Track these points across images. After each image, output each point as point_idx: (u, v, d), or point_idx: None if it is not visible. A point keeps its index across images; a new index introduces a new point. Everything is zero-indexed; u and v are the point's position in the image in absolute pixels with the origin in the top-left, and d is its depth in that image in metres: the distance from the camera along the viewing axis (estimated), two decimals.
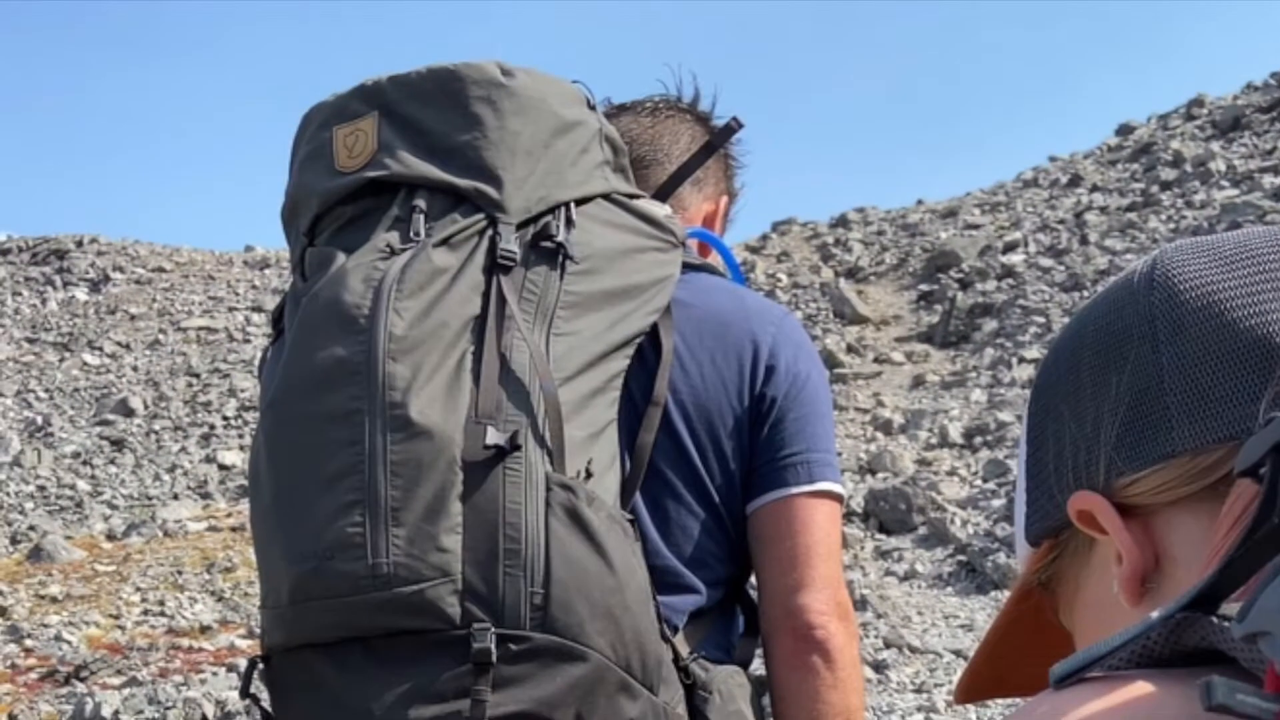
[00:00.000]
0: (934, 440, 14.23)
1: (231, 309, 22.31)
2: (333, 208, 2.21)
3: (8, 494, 15.40)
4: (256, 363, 2.30)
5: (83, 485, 15.79)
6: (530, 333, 2.07)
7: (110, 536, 13.66)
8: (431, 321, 2.05)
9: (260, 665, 2.13)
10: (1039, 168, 24.55)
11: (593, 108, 2.31)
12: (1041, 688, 0.92)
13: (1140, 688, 0.87)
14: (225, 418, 17.90)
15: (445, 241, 2.11)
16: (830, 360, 16.63)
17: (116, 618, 10.75)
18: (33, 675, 9.20)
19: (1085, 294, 16.94)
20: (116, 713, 7.76)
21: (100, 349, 20.72)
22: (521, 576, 1.95)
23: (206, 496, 15.33)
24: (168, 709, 7.71)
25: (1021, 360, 15.91)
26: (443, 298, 2.07)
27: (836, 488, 2.28)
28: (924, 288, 19.91)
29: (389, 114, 2.23)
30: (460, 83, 2.22)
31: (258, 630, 2.27)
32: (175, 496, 15.37)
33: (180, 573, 11.87)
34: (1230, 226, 16.44)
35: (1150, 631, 0.87)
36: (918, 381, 16.59)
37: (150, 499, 15.35)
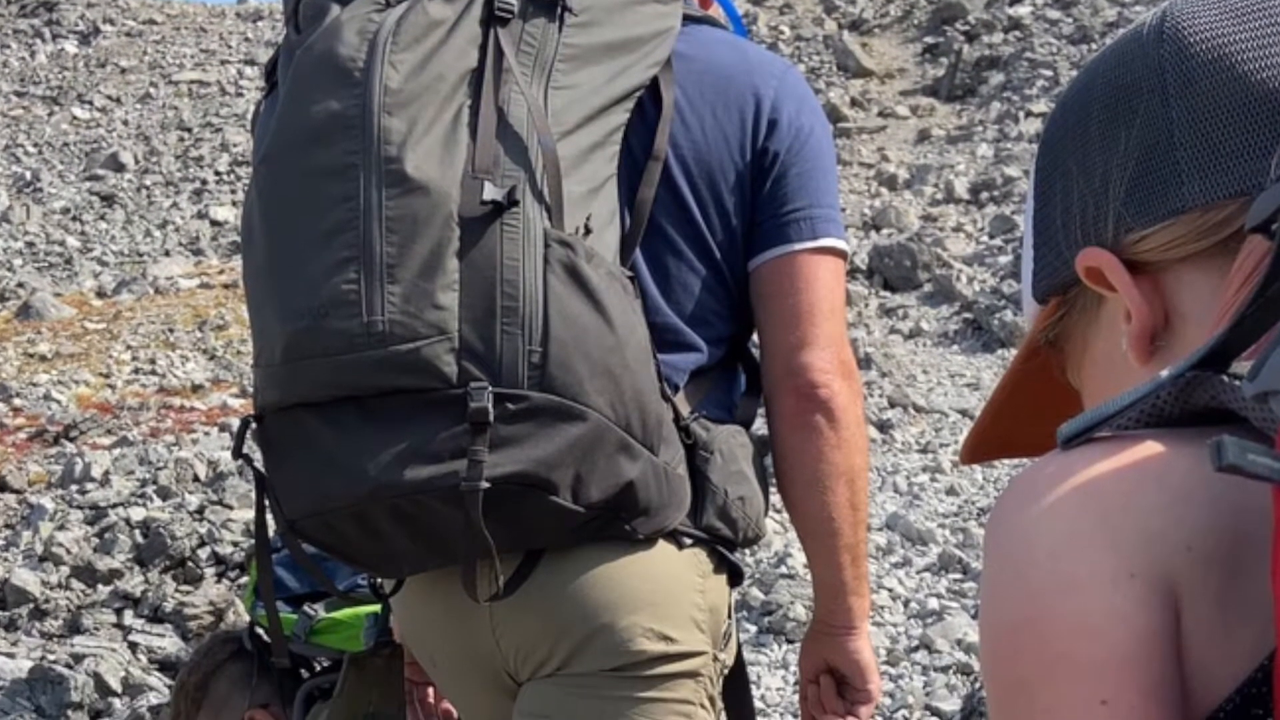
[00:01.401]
0: (940, 196, 14.17)
1: (224, 62, 22.09)
2: None
3: None
4: (250, 117, 2.28)
5: (72, 241, 15.78)
6: (528, 86, 2.04)
7: (100, 294, 13.66)
8: (427, 74, 2.02)
9: (253, 424, 2.14)
10: None
11: None
12: (1049, 448, 0.92)
13: (1149, 447, 0.87)
14: (218, 173, 17.82)
15: None
16: (834, 114, 16.49)
17: (106, 376, 10.79)
18: (21, 435, 9.24)
19: (1093, 47, 16.74)
20: (107, 473, 7.79)
21: (90, 103, 20.56)
22: (519, 335, 1.94)
23: (198, 253, 15.33)
24: (159, 469, 7.75)
25: (1029, 114, 15.78)
26: (439, 50, 2.03)
27: (840, 244, 2.26)
28: (929, 40, 19.64)
29: None
30: None
31: (250, 389, 2.28)
32: (166, 253, 15.36)
33: (171, 330, 11.89)
34: None
35: (1160, 390, 0.87)
36: (923, 136, 16.48)
37: (141, 255, 15.34)
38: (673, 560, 2.15)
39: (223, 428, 8.90)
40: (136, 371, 10.91)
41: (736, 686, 2.35)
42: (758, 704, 4.85)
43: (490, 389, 1.93)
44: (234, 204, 16.55)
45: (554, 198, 2.01)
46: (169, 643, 5.91)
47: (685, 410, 2.17)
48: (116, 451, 8.36)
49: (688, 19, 2.27)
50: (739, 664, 2.35)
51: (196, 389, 10.36)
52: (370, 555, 2.13)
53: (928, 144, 16.29)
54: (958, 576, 6.13)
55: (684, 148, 2.21)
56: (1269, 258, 0.85)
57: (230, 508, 7.04)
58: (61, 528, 7.05)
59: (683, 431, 2.14)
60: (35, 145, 19.17)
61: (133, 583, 6.37)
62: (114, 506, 7.21)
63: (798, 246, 2.22)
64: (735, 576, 2.27)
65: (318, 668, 3.60)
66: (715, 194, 2.21)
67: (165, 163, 18.24)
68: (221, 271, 14.16)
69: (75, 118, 20.10)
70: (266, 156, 2.09)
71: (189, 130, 19.33)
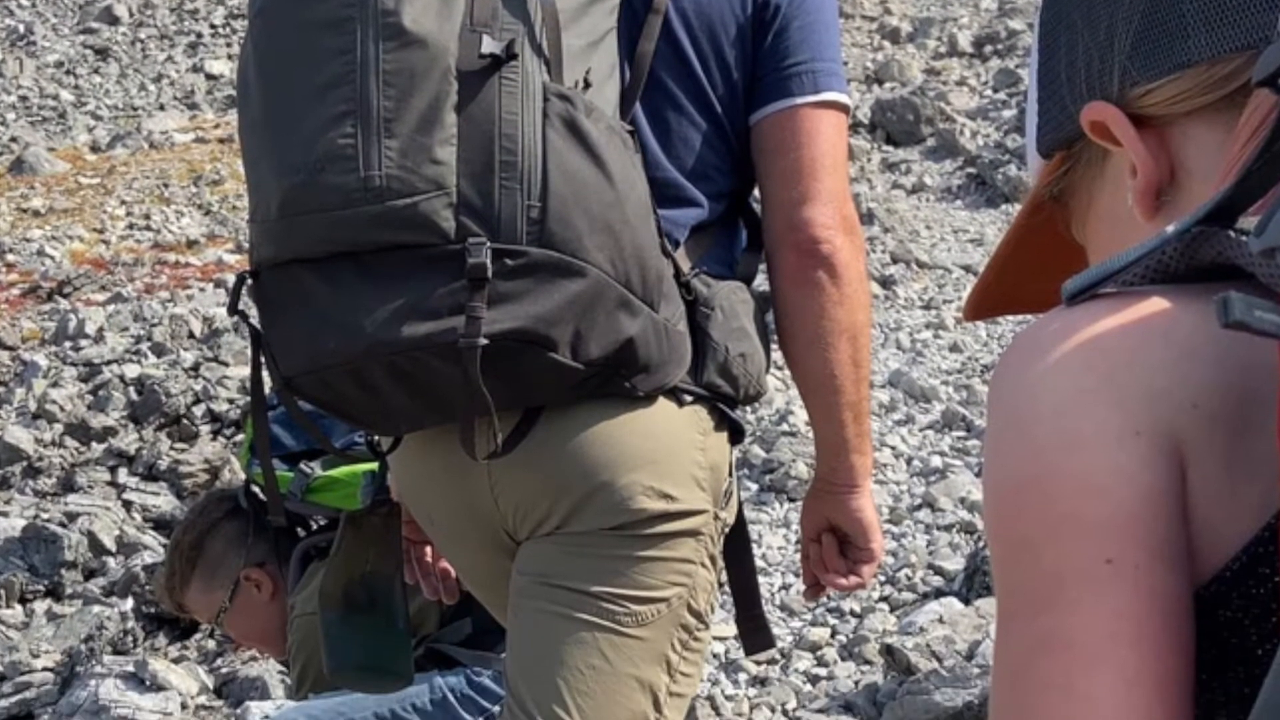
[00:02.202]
0: (943, 49, 14.01)
1: None
2: None
3: None
4: None
5: (66, 95, 15.61)
6: None
7: (94, 148, 13.53)
8: None
9: (249, 281, 2.12)
10: None
11: None
12: (1053, 304, 0.91)
13: (1155, 304, 0.86)
14: (213, 25, 17.60)
15: None
16: None
17: (101, 232, 10.72)
18: (14, 291, 9.19)
19: None
20: (101, 329, 7.75)
21: None
22: (518, 190, 1.93)
23: (193, 107, 15.16)
24: (153, 325, 7.71)
25: None
26: None
27: (842, 98, 2.24)
28: None
29: None
30: None
31: (246, 245, 2.26)
32: (161, 107, 15.20)
33: (166, 185, 11.79)
34: None
35: (1165, 246, 0.86)
36: None
37: (135, 109, 15.19)
38: (673, 418, 2.15)
39: (218, 284, 8.85)
40: (131, 227, 10.84)
41: (737, 545, 2.36)
42: (759, 563, 4.88)
43: (488, 244, 1.92)
44: (229, 58, 16.35)
45: (553, 51, 1.98)
46: (164, 501, 5.92)
47: (686, 266, 2.15)
48: (111, 308, 8.31)
49: None
50: (740, 522, 2.36)
51: (191, 245, 10.29)
52: (367, 412, 2.13)
53: None
54: (961, 434, 6.14)
55: (684, 1, 2.18)
56: (1276, 112, 0.84)
57: (226, 365, 7.01)
58: (55, 385, 7.02)
59: (683, 288, 2.13)
60: None
61: (127, 440, 6.36)
62: (108, 363, 7.18)
63: (799, 100, 2.20)
64: (736, 434, 2.27)
65: (314, 526, 3.61)
66: (716, 47, 2.19)
67: (160, 15, 18.03)
68: (217, 126, 14.02)
69: None
70: (263, 9, 2.07)
71: None
